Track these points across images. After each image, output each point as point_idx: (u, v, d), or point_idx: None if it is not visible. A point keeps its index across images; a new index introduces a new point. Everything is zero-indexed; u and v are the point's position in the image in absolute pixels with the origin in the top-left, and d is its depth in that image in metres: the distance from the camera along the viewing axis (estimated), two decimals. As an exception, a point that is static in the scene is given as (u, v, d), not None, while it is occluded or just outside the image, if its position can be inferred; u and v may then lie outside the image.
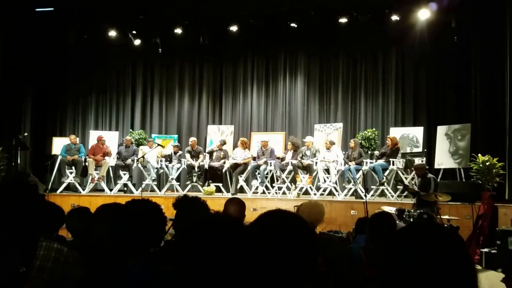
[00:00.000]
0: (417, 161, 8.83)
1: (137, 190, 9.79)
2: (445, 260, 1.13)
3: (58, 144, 10.80)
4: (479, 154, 8.05)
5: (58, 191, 9.66)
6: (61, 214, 2.78)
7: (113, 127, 12.18)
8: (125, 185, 10.07)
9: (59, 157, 10.06)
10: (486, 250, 6.55)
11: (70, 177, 9.83)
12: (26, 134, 10.35)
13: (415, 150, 9.77)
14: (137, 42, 11.27)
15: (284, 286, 1.27)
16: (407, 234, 1.22)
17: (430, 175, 7.69)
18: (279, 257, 1.28)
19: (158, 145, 9.99)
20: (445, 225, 6.33)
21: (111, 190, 10.00)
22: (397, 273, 1.15)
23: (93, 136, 10.99)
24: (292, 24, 10.51)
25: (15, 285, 1.77)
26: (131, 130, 11.71)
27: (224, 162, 9.98)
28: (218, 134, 11.29)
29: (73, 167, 9.95)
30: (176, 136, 11.60)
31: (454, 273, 1.13)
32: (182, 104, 12.18)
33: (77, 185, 9.85)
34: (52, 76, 11.80)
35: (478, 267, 6.58)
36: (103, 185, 9.96)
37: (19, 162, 9.55)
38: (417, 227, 1.26)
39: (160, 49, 11.35)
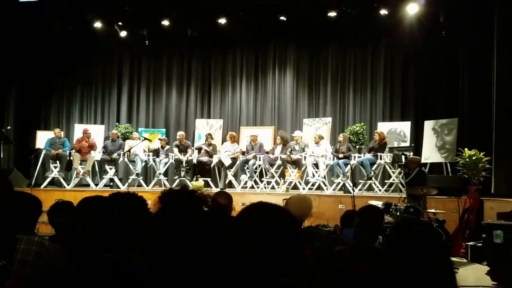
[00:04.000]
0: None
1: (123, 184, 9.68)
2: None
3: (42, 138, 10.62)
4: (466, 149, 8.11)
5: (42, 186, 9.51)
6: (38, 204, 2.70)
7: (99, 121, 12.03)
8: (111, 179, 9.93)
9: (43, 151, 9.89)
10: (472, 243, 6.62)
11: (55, 171, 9.67)
12: (9, 127, 10.16)
13: (402, 144, 9.82)
14: (123, 34, 11.06)
15: (269, 277, 1.25)
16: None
17: (423, 168, 7.77)
18: (263, 248, 1.25)
19: (145, 138, 9.87)
20: (430, 219, 6.39)
21: (96, 185, 9.87)
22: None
23: (78, 129, 10.84)
24: (282, 17, 10.44)
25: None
26: (117, 123, 11.56)
27: (212, 157, 9.92)
28: (206, 128, 11.21)
29: (58, 161, 9.79)
30: (163, 130, 11.48)
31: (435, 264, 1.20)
32: (170, 98, 12.06)
33: (62, 180, 9.69)
34: (36, 69, 11.56)
35: (464, 260, 6.65)
36: (88, 179, 9.82)
37: (2, 156, 9.36)
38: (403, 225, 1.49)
39: (147, 41, 11.20)
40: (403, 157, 8.22)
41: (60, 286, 1.77)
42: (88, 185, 9.85)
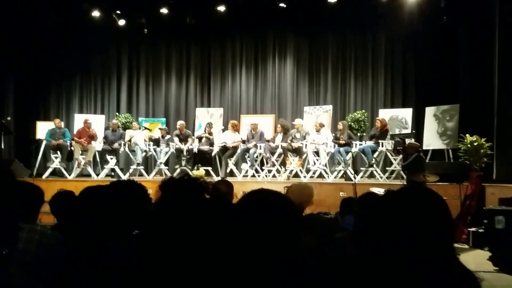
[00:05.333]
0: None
1: (124, 174, 9.69)
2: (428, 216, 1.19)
3: (43, 128, 10.60)
4: (467, 135, 8.08)
5: (43, 176, 9.51)
6: (40, 193, 2.70)
7: (99, 111, 12.00)
8: (112, 169, 9.95)
9: (44, 142, 9.89)
10: (473, 229, 6.62)
11: (56, 162, 9.68)
12: (9, 118, 10.12)
13: (404, 131, 9.80)
14: (121, 22, 10.99)
15: (267, 263, 1.25)
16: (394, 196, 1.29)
17: (421, 154, 7.75)
18: (263, 234, 1.25)
19: (146, 128, 9.86)
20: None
21: (98, 175, 9.89)
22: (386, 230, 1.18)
23: (78, 119, 10.82)
24: (281, 4, 10.35)
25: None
26: (117, 113, 11.54)
27: (212, 146, 9.91)
28: (207, 116, 11.18)
29: (59, 152, 9.80)
30: (163, 119, 11.46)
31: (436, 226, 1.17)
32: (170, 87, 12.01)
33: (63, 170, 9.70)
34: (34, 59, 11.50)
35: (466, 246, 6.67)
36: (90, 170, 9.83)
37: (2, 147, 9.36)
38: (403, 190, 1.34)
39: (146, 30, 11.12)
40: (403, 141, 8.19)
41: (61, 274, 1.78)
42: (90, 175, 9.86)
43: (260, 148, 9.63)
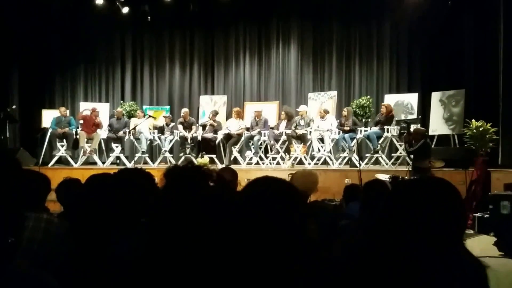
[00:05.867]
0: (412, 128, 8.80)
1: (130, 162, 9.73)
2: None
3: (48, 117, 10.63)
4: (473, 120, 8.04)
5: (49, 165, 9.57)
6: (46, 181, 2.71)
7: (103, 99, 12.01)
8: (118, 157, 9.99)
9: (49, 130, 9.93)
10: (478, 214, 6.62)
11: (62, 150, 9.73)
12: (14, 106, 10.16)
13: (409, 117, 9.73)
14: (125, 10, 10.95)
15: (272, 251, 1.25)
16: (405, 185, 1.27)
17: (428, 140, 7.72)
18: (267, 222, 1.25)
19: (150, 116, 9.85)
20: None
21: (103, 163, 9.93)
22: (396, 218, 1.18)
23: (83, 107, 10.84)
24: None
25: (5, 256, 1.72)
26: (121, 101, 11.54)
27: (216, 133, 9.91)
28: (210, 104, 11.16)
29: (64, 140, 9.84)
30: (167, 107, 11.45)
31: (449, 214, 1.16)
32: (173, 74, 11.98)
33: (69, 158, 9.76)
34: (38, 47, 11.48)
35: (471, 231, 6.67)
36: (95, 158, 9.88)
37: (8, 135, 9.41)
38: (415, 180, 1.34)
39: (149, 17, 11.06)
40: (407, 126, 8.13)
41: (68, 262, 1.79)
42: (95, 163, 9.91)
43: (264, 136, 9.63)
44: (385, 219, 1.21)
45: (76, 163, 9.72)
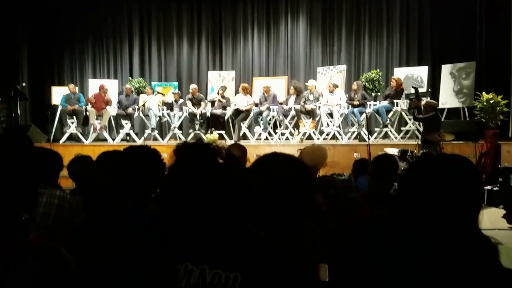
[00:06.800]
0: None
1: (139, 139, 9.80)
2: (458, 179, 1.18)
3: (57, 94, 10.70)
4: (483, 92, 7.94)
5: (61, 141, 9.69)
6: (59, 159, 2.76)
7: (112, 75, 12.01)
8: (128, 134, 10.07)
9: (59, 107, 10.00)
10: (488, 187, 6.61)
11: (72, 127, 9.82)
12: (24, 84, 10.21)
13: (419, 90, 9.61)
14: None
15: (282, 222, 1.27)
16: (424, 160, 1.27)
17: (438, 114, 7.67)
18: (276, 197, 1.27)
19: (158, 93, 9.85)
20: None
21: (113, 139, 10.02)
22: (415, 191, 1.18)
23: (92, 84, 10.88)
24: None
25: (20, 232, 1.78)
26: (130, 78, 11.55)
27: (225, 109, 9.89)
28: (219, 80, 11.12)
29: (74, 117, 9.92)
30: (176, 83, 11.43)
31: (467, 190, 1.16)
32: (181, 50, 11.91)
33: (80, 135, 9.86)
34: (46, 23, 11.45)
35: (480, 204, 6.67)
36: (106, 134, 9.96)
37: (19, 112, 9.49)
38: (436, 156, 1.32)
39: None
40: (416, 91, 8.03)
41: (81, 237, 1.84)
42: (106, 140, 10.00)
43: (273, 111, 9.60)
44: (405, 193, 1.22)
45: (86, 139, 9.82)
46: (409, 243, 1.14)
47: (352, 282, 1.21)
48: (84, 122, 9.98)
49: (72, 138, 10.05)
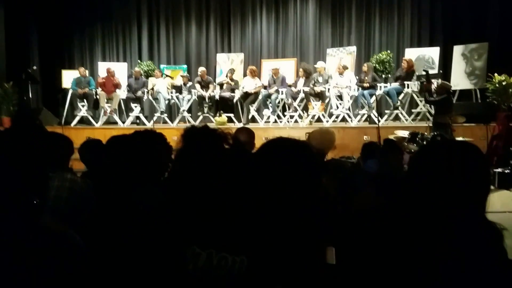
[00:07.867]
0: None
1: (149, 122, 9.85)
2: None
3: (68, 77, 10.75)
4: (496, 74, 7.82)
5: (72, 124, 9.77)
6: (69, 143, 2.79)
7: (121, 58, 12.02)
8: (137, 117, 10.12)
9: (70, 91, 10.06)
10: (499, 170, 6.55)
11: (83, 110, 9.90)
12: (35, 67, 10.26)
13: (431, 72, 9.48)
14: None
15: (289, 207, 1.28)
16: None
17: (451, 96, 7.59)
18: (282, 183, 1.28)
19: (167, 76, 9.84)
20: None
21: (123, 122, 10.09)
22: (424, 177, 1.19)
23: (102, 67, 10.90)
24: None
25: (31, 216, 1.81)
26: (139, 61, 11.55)
27: (234, 92, 9.87)
28: (227, 62, 11.07)
29: (85, 100, 9.99)
30: (185, 66, 11.41)
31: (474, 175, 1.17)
32: (190, 33, 11.85)
33: (90, 118, 9.94)
34: (55, 7, 11.43)
35: (492, 187, 6.63)
36: (116, 117, 10.02)
37: (31, 96, 9.57)
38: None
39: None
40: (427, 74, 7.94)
41: (92, 219, 1.88)
42: (116, 123, 10.06)
43: (282, 94, 9.55)
44: (412, 178, 1.23)
45: (97, 123, 9.89)
46: (415, 228, 1.14)
47: (359, 266, 1.23)
48: (94, 106, 10.04)
49: (83, 121, 10.13)
